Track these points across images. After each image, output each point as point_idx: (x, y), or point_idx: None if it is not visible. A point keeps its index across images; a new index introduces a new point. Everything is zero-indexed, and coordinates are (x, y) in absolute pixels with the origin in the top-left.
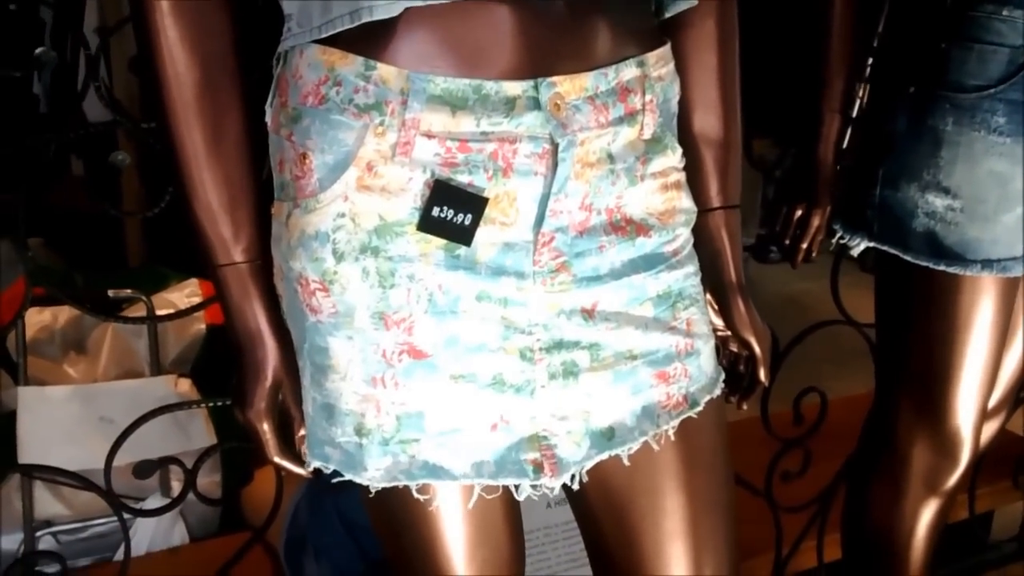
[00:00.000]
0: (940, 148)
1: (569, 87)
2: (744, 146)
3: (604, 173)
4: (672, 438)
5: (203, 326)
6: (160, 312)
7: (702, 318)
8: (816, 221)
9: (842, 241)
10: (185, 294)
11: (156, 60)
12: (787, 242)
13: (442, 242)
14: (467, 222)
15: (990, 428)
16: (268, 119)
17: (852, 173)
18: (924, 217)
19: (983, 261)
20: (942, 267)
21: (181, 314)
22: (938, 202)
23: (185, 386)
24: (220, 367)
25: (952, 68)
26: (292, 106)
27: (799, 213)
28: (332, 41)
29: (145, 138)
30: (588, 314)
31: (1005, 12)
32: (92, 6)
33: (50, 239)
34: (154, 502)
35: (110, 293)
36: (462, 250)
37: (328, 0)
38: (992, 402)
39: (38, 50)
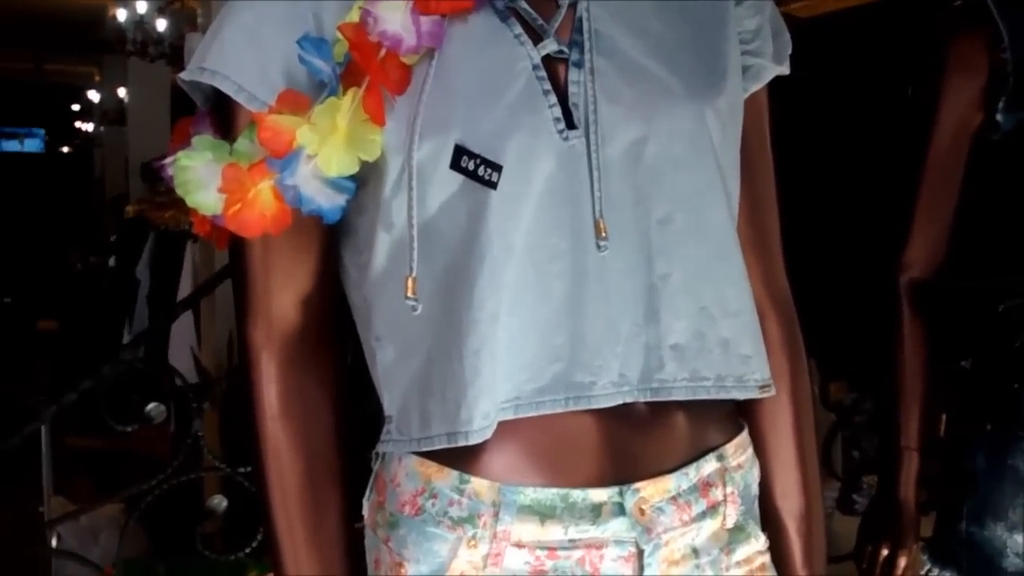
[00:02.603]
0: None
1: (652, 490)
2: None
3: (689, 568)
4: None
5: None
6: None
7: None
8: (903, 561)
9: (932, 574)
10: None
11: (260, 458)
12: None
13: None
14: None
15: None
16: (365, 513)
17: (936, 506)
18: (1014, 557)
19: None
20: None
21: None
22: None
23: None
24: None
25: None
26: (390, 511)
27: (885, 553)
28: (429, 452)
29: (240, 482)
30: None
31: None
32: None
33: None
34: None
35: None
36: None
37: (427, 415)
38: None
39: (149, 406)
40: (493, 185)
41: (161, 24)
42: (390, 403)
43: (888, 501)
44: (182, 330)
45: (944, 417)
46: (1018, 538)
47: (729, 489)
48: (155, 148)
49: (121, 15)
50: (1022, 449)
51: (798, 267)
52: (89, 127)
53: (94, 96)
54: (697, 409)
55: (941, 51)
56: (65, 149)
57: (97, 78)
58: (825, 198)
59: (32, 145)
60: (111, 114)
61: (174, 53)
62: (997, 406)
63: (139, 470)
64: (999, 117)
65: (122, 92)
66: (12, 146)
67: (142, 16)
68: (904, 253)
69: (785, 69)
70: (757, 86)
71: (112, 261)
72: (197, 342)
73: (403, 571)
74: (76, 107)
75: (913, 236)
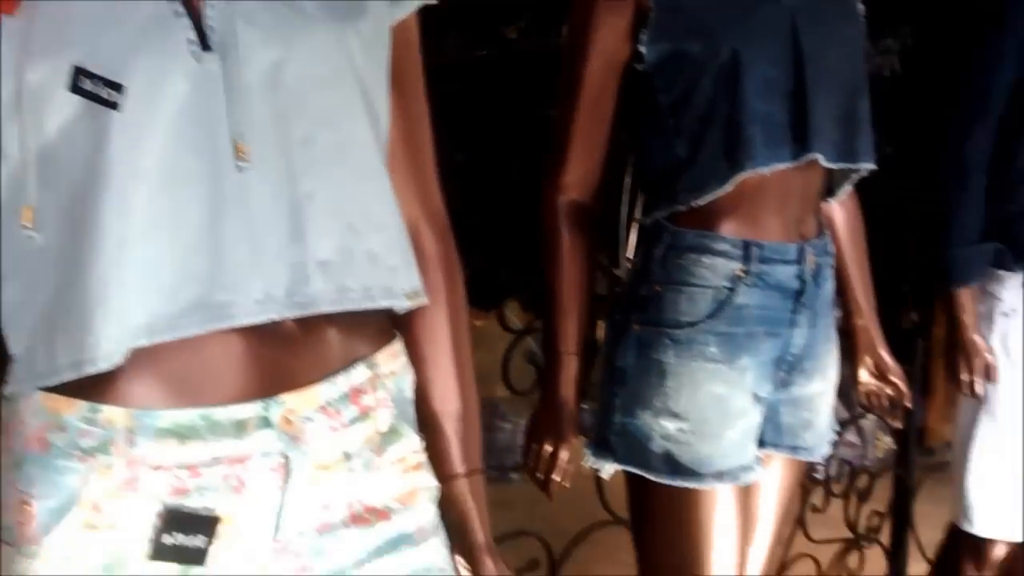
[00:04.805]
0: (666, 378)
1: (299, 402)
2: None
3: (342, 471)
4: None
5: None
6: None
7: None
8: (564, 455)
9: (592, 466)
10: None
11: None
12: (540, 476)
13: (177, 566)
14: (200, 544)
15: None
16: None
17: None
18: (660, 439)
19: (715, 474)
20: (679, 483)
21: None
22: (670, 425)
23: None
24: None
25: (668, 308)
26: (16, 451)
27: (548, 449)
28: (58, 387)
29: None
30: None
31: (705, 259)
32: None
33: None
34: None
35: None
36: (196, 570)
37: (53, 348)
38: None
39: None
40: (114, 106)
41: None
42: (16, 342)
43: (549, 402)
44: None
45: (602, 323)
46: (662, 421)
47: (381, 394)
48: None
49: None
50: (665, 344)
51: (480, 204)
52: None
53: None
54: (347, 323)
55: None
56: None
57: None
58: (498, 133)
59: None
60: None
61: None
62: (643, 307)
63: None
64: (642, 48)
65: None
66: None
67: None
68: (562, 177)
69: None
70: (403, 14)
71: None
72: None
73: (29, 509)
74: None
75: (570, 161)
